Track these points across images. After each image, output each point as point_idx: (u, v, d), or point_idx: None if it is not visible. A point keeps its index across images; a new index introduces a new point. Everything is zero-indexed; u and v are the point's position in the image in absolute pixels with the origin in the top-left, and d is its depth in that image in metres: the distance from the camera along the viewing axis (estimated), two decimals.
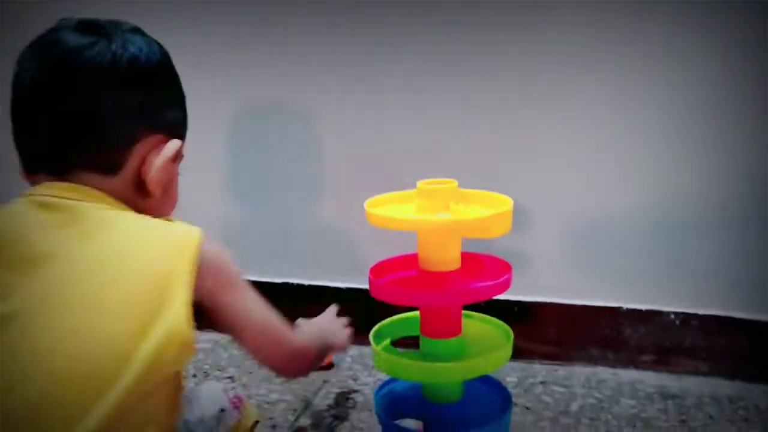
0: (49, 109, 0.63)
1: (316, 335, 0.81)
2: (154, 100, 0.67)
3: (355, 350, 1.26)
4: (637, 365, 1.16)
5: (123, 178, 0.66)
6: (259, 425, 0.87)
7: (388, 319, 0.92)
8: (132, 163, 0.66)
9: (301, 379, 1.13)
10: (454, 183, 0.82)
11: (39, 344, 0.54)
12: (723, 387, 1.10)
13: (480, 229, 0.77)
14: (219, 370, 1.20)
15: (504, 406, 0.85)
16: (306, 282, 1.30)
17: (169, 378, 0.60)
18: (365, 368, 1.20)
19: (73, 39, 0.64)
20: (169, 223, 0.65)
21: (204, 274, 0.61)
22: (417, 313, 0.89)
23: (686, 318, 1.12)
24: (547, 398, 1.09)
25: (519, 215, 1.13)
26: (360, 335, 1.24)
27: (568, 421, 1.02)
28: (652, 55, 1.06)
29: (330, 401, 1.09)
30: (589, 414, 1.04)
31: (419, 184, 0.81)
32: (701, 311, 1.12)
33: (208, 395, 0.80)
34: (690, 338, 1.13)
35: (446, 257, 0.81)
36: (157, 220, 0.64)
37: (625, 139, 1.10)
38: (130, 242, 0.60)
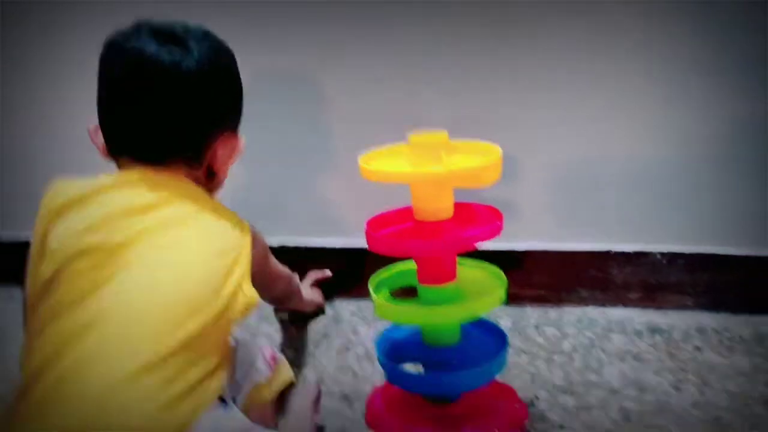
0: (138, 109, 0.74)
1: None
2: (225, 102, 0.80)
3: (353, 305, 1.30)
4: (626, 303, 1.20)
5: (201, 168, 0.79)
6: (293, 388, 0.91)
7: (386, 270, 0.95)
8: (209, 155, 0.79)
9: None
10: (445, 134, 0.84)
11: (152, 274, 0.69)
12: (708, 319, 1.15)
13: (471, 179, 0.80)
14: None
15: (500, 346, 0.89)
16: (302, 244, 1.33)
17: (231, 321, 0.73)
18: (364, 321, 1.23)
19: (152, 46, 0.73)
20: (230, 211, 0.79)
21: (254, 245, 0.78)
22: (413, 263, 0.92)
23: (672, 257, 1.16)
24: (540, 339, 1.13)
25: (507, 164, 1.16)
26: (357, 290, 1.28)
27: (562, 359, 1.07)
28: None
29: (332, 353, 1.13)
30: (582, 351, 1.08)
31: (410, 136, 0.84)
32: (686, 250, 1.16)
33: (244, 349, 0.84)
34: (676, 275, 1.17)
35: (439, 207, 0.84)
36: (225, 210, 0.78)
37: (608, 85, 1.12)
38: (217, 224, 0.76)
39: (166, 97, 0.74)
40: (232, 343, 0.80)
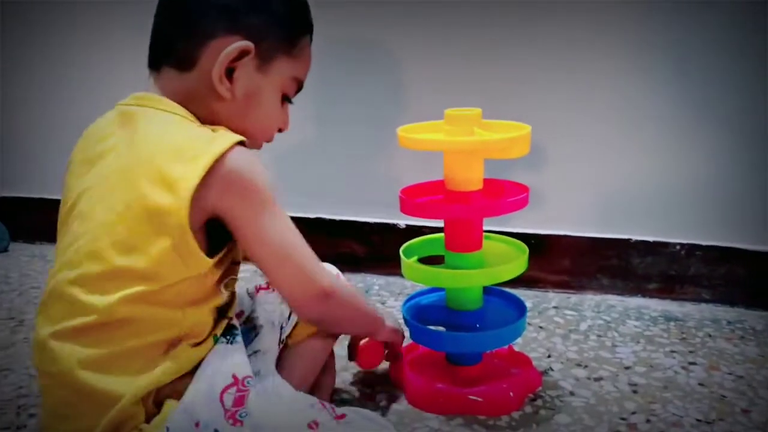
0: (158, 10, 0.73)
1: (358, 298, 0.82)
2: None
3: (383, 279, 1.37)
4: (644, 293, 1.25)
5: (199, 76, 0.70)
6: None
7: (416, 239, 1.01)
8: (206, 60, 0.70)
9: None
10: (479, 111, 0.91)
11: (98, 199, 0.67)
12: (723, 312, 1.20)
13: (502, 150, 0.86)
14: None
15: (519, 315, 0.95)
16: (336, 217, 1.40)
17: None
18: (392, 294, 1.30)
19: None
20: (208, 131, 0.68)
21: (213, 182, 0.64)
22: (442, 234, 0.98)
23: (691, 248, 1.21)
24: (559, 319, 1.19)
25: (534, 153, 1.22)
26: (386, 266, 1.35)
27: (578, 337, 1.12)
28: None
29: None
30: (597, 332, 1.14)
31: (447, 111, 0.90)
32: (705, 242, 1.20)
33: (276, 299, 0.87)
34: (694, 267, 1.21)
35: (470, 177, 0.91)
36: (197, 128, 0.68)
37: (637, 82, 1.18)
38: (162, 141, 0.67)
39: None
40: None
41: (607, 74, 1.19)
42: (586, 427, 0.87)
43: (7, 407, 0.93)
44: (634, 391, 0.95)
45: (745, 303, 1.20)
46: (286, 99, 0.78)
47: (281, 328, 0.85)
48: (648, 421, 0.88)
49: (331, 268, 0.81)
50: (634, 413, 0.90)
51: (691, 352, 1.06)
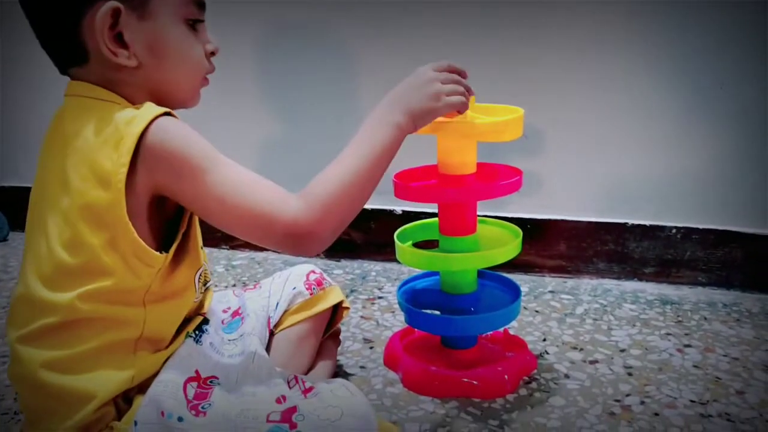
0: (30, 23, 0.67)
1: (343, 176, 0.66)
2: None
3: (380, 265, 1.37)
4: (640, 277, 1.25)
5: (97, 60, 0.65)
6: (347, 312, 0.96)
7: (411, 224, 1.02)
8: (91, 41, 0.64)
9: None
10: (473, 96, 0.90)
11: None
12: (719, 295, 1.20)
13: (495, 133, 0.86)
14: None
15: (514, 298, 0.95)
16: None
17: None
18: (389, 280, 1.31)
19: None
20: (130, 111, 0.63)
21: (141, 164, 0.61)
22: (436, 219, 0.98)
23: (687, 232, 1.21)
24: (555, 303, 1.19)
25: (532, 138, 1.22)
26: (383, 252, 1.35)
27: (574, 321, 1.12)
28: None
29: (357, 305, 1.20)
30: (593, 315, 1.14)
31: None
32: (701, 225, 1.20)
33: (290, 276, 0.89)
34: (690, 251, 1.21)
35: (463, 161, 0.90)
36: (118, 110, 0.63)
37: (634, 69, 1.17)
38: (87, 130, 0.63)
39: None
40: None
41: (605, 62, 1.18)
42: (580, 409, 0.87)
43: (6, 393, 0.93)
44: (629, 374, 0.96)
45: (742, 286, 1.20)
46: (194, 23, 0.69)
47: (268, 317, 0.87)
48: (642, 402, 0.88)
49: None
50: (628, 395, 0.90)
51: (686, 334, 1.06)
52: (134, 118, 0.62)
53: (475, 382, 0.91)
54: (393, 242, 0.95)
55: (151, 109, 0.63)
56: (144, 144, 0.61)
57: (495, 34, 1.22)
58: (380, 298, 1.23)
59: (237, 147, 1.29)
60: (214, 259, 1.43)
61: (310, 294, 0.90)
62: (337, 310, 0.94)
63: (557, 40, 1.19)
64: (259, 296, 0.89)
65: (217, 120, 1.30)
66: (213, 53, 0.72)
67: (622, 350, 1.02)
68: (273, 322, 0.88)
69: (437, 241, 0.96)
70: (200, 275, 0.72)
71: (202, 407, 0.65)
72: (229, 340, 0.78)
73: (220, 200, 0.62)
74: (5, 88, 1.57)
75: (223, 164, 0.63)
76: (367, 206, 1.37)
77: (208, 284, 0.77)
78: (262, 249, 1.40)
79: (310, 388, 0.68)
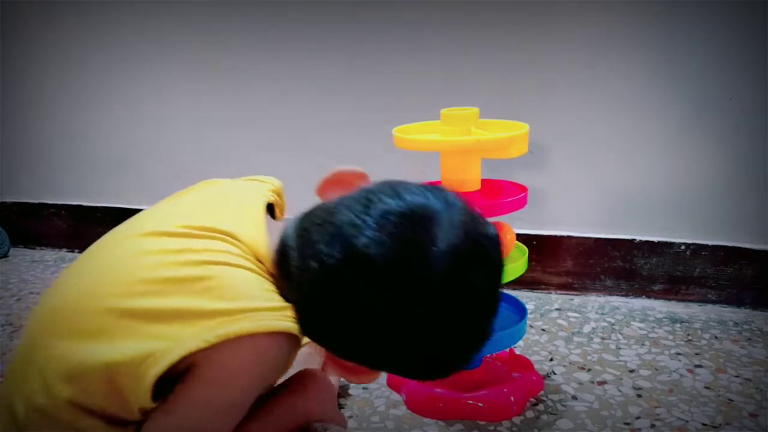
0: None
1: None
2: None
3: None
4: (648, 294, 1.23)
5: None
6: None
7: None
8: None
9: None
10: (476, 110, 0.89)
11: None
12: (730, 313, 1.17)
13: (499, 149, 0.84)
14: None
15: (519, 317, 0.93)
16: None
17: None
18: None
19: None
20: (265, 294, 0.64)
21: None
22: None
23: (697, 249, 1.19)
24: (562, 322, 1.17)
25: (537, 153, 1.20)
26: None
27: (581, 339, 1.10)
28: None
29: None
30: (601, 334, 1.11)
31: (443, 111, 0.89)
32: (711, 242, 1.18)
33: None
34: (699, 268, 1.19)
35: (468, 178, 0.89)
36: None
37: (641, 81, 1.16)
38: None
39: None
40: None
41: (610, 74, 1.17)
42: None
43: None
44: (639, 395, 0.93)
45: (753, 304, 1.17)
46: None
47: None
48: (653, 426, 0.86)
49: None
50: (638, 418, 0.88)
51: (697, 354, 1.04)
52: (251, 313, 0.62)
53: (480, 405, 0.89)
54: None
55: (277, 320, 0.63)
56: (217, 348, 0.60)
57: (498, 48, 1.21)
58: None
59: (241, 148, 1.28)
60: None
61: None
62: None
63: (562, 56, 1.18)
64: None
65: (218, 121, 1.29)
66: None
67: (632, 370, 1.00)
68: None
69: None
70: None
71: None
72: None
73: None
74: (7, 103, 1.56)
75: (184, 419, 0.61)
76: None
77: None
78: None
79: None
